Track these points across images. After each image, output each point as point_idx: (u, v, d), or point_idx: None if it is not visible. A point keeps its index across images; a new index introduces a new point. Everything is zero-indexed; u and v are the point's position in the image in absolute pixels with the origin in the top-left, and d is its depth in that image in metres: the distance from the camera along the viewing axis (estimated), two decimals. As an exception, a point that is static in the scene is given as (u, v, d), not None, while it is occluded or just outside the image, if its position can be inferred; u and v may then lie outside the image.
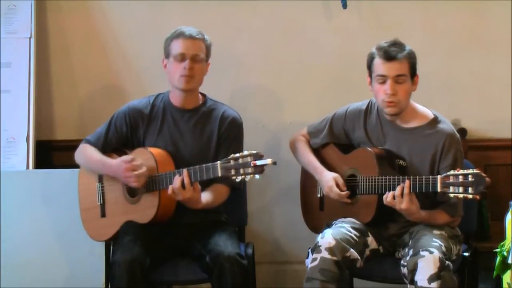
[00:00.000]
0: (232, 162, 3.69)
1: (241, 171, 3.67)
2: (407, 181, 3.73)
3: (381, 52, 3.84)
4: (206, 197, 3.92)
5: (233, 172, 3.69)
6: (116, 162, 3.97)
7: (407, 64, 3.85)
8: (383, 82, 3.85)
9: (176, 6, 4.72)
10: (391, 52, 3.83)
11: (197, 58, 3.96)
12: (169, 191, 3.82)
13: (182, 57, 3.96)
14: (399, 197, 3.73)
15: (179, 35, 3.98)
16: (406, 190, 3.72)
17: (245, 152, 3.68)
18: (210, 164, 3.77)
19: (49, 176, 4.43)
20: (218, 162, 3.73)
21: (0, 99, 4.51)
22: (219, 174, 3.73)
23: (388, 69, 3.83)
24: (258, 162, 3.64)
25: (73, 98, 4.78)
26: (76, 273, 4.39)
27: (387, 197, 3.75)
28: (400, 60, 3.83)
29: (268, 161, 3.63)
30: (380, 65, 3.85)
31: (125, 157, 3.95)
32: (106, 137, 4.09)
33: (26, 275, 4.37)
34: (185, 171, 3.80)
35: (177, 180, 3.80)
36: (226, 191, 4.02)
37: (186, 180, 3.79)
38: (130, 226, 3.96)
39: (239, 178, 3.68)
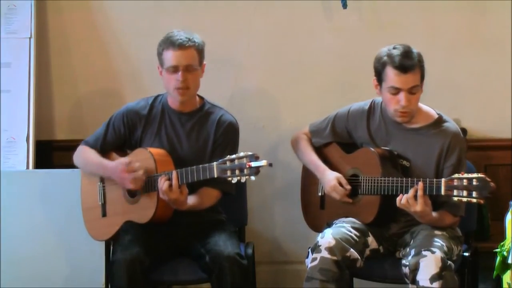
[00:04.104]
0: (228, 163, 3.70)
1: (237, 172, 3.67)
2: (420, 184, 3.70)
3: (395, 63, 3.78)
4: (192, 200, 3.92)
5: (229, 173, 3.69)
6: (113, 164, 3.98)
7: (420, 72, 3.82)
8: (396, 93, 3.82)
9: (176, 7, 4.71)
10: (405, 64, 3.77)
11: (190, 68, 3.93)
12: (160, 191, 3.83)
13: (174, 69, 3.93)
14: (412, 199, 3.70)
15: (169, 45, 3.92)
16: (420, 193, 3.69)
17: (241, 154, 3.69)
18: (206, 164, 3.78)
19: (49, 176, 4.43)
20: (214, 163, 3.74)
21: (0, 99, 4.51)
22: (215, 175, 3.74)
23: (403, 82, 3.79)
24: (253, 164, 3.64)
25: (73, 98, 4.78)
26: (76, 273, 4.39)
27: (402, 200, 3.72)
28: (414, 71, 3.79)
29: (263, 162, 3.64)
30: (393, 77, 3.79)
31: (122, 159, 3.95)
32: (105, 138, 4.10)
33: (26, 275, 4.36)
34: (174, 172, 3.81)
35: (164, 182, 3.80)
36: (217, 195, 4.01)
37: (174, 183, 3.79)
38: (130, 226, 3.97)
39: (235, 179, 3.69)
